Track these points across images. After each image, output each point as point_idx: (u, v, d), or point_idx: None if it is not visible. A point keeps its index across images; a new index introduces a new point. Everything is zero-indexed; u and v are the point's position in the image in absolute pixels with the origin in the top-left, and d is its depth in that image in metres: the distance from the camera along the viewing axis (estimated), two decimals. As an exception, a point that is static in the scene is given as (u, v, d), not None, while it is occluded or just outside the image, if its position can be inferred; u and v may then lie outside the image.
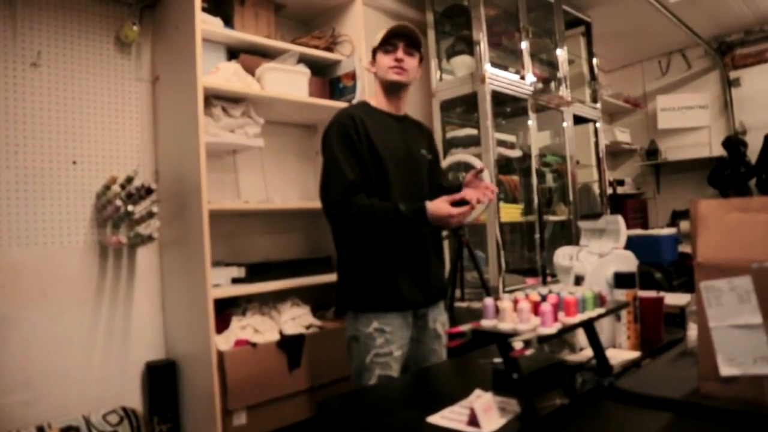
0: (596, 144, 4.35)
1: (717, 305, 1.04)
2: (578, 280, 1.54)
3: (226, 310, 2.40)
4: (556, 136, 3.91)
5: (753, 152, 4.76)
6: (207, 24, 2.33)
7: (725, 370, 1.03)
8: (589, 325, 1.20)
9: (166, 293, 2.51)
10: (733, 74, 5.03)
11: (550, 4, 3.82)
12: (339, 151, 1.79)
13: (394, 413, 1.23)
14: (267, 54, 2.64)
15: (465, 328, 1.06)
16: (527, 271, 3.47)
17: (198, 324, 2.20)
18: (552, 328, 1.03)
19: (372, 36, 2.02)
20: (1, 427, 2.02)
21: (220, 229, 2.48)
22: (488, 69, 3.18)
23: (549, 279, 3.34)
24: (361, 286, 1.84)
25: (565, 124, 3.82)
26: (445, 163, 3.08)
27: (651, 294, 1.56)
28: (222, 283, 2.35)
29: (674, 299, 1.76)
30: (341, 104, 2.62)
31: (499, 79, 3.25)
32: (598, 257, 1.56)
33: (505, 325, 1.03)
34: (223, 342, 2.22)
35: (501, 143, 3.38)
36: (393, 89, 1.93)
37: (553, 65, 3.89)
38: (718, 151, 4.93)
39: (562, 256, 1.65)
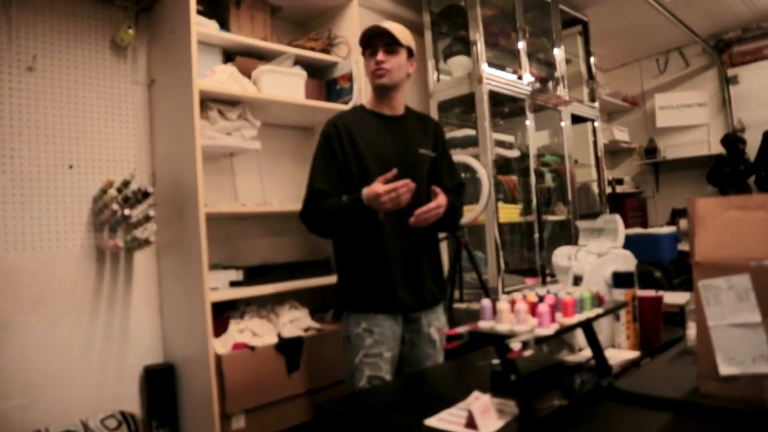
0: (595, 143, 4.35)
1: (716, 304, 1.03)
2: (577, 280, 1.53)
3: (224, 313, 2.39)
4: (554, 136, 3.91)
5: (752, 149, 4.76)
6: (203, 27, 2.33)
7: (725, 369, 1.02)
8: (587, 326, 1.20)
9: (164, 297, 2.50)
10: (731, 72, 5.03)
11: (547, 3, 3.81)
12: (316, 161, 1.88)
13: (391, 416, 1.22)
14: (263, 56, 2.63)
15: (462, 329, 1.06)
16: (526, 271, 3.46)
17: (196, 327, 2.19)
18: (549, 329, 1.02)
19: (368, 38, 2.01)
20: (-2, 433, 2.01)
21: (217, 232, 2.47)
22: (485, 69, 3.18)
23: (548, 279, 3.33)
24: (352, 286, 1.86)
25: (563, 124, 3.81)
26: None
27: (650, 293, 1.55)
28: (220, 286, 2.34)
29: (673, 298, 1.75)
30: (338, 106, 2.62)
31: (497, 79, 3.25)
32: (597, 257, 1.55)
33: (502, 327, 1.03)
34: (221, 345, 2.21)
35: (499, 143, 3.37)
36: (383, 91, 1.92)
37: (550, 65, 3.89)
38: (717, 148, 4.93)
39: (561, 256, 1.65)
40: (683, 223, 4.81)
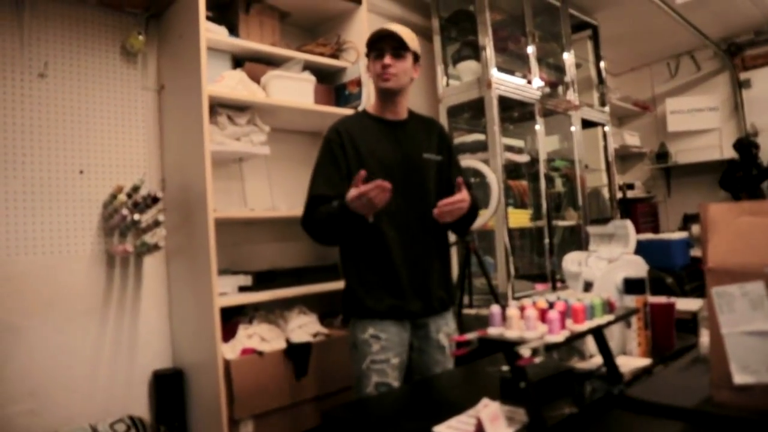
0: (605, 148, 4.32)
1: (729, 311, 1.01)
2: (587, 286, 1.51)
3: (232, 318, 2.39)
4: (564, 141, 3.89)
5: (765, 154, 4.71)
6: (212, 33, 2.34)
7: (739, 378, 1.00)
8: (598, 333, 1.18)
9: (173, 302, 2.51)
10: (743, 75, 4.98)
11: (556, 7, 3.80)
12: (317, 167, 1.87)
13: (399, 422, 1.21)
14: (272, 62, 2.64)
15: (471, 336, 1.04)
16: (536, 277, 3.44)
17: (205, 332, 2.19)
18: (559, 336, 1.01)
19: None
20: (8, 437, 2.02)
21: (226, 237, 2.47)
22: (495, 74, 3.17)
23: (558, 285, 3.30)
24: (358, 292, 1.84)
25: (573, 129, 3.79)
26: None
27: (662, 300, 1.53)
28: (228, 291, 2.34)
29: (686, 305, 1.73)
30: (347, 111, 2.62)
31: (506, 83, 3.24)
32: (608, 263, 1.53)
33: (511, 333, 1.02)
34: (230, 350, 2.21)
35: (509, 148, 3.36)
36: (387, 95, 1.90)
37: (560, 69, 3.87)
38: (729, 153, 4.88)
39: (571, 261, 1.63)
40: (695, 228, 4.76)
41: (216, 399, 2.11)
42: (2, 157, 2.14)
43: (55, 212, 2.25)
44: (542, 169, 3.42)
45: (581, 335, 1.10)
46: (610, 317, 1.16)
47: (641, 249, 1.65)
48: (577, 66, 3.96)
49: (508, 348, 1.00)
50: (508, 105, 3.37)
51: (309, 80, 2.65)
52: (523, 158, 3.46)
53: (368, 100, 2.68)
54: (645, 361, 1.37)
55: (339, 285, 1.96)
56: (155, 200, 2.20)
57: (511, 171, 3.45)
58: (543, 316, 1.05)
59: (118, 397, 2.32)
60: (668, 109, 5.18)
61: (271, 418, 2.25)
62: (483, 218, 2.87)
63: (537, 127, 3.45)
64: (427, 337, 1.89)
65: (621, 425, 1.08)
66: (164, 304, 2.52)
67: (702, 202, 1.10)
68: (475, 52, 3.32)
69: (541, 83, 3.48)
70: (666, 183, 5.45)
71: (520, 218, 3.38)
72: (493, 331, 1.05)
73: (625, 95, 5.23)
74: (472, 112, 3.51)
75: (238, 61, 2.58)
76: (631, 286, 1.44)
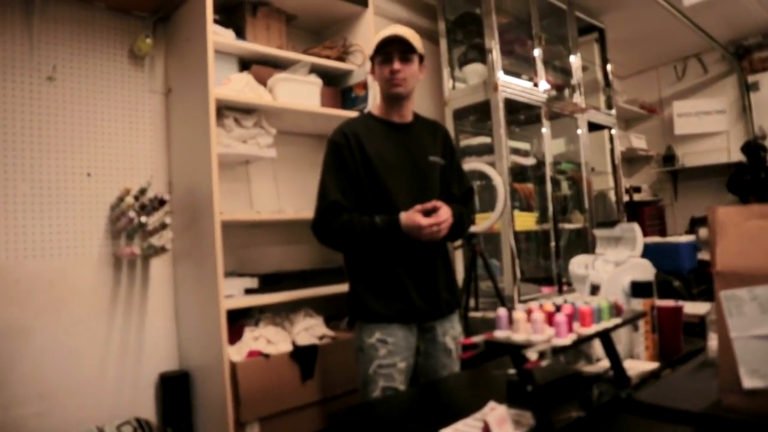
0: (612, 151, 4.31)
1: (738, 315, 1.00)
2: (594, 290, 1.51)
3: (238, 320, 2.39)
4: (570, 144, 3.88)
5: (773, 157, 4.68)
6: (219, 36, 2.35)
7: (748, 382, 0.99)
8: (605, 336, 1.18)
9: (180, 304, 2.51)
10: (751, 78, 4.95)
11: (563, 10, 3.80)
12: (327, 171, 1.85)
13: (406, 426, 1.21)
14: (279, 65, 2.65)
15: (478, 339, 1.04)
16: (543, 280, 3.43)
17: (211, 335, 2.20)
18: (567, 339, 1.00)
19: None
20: (16, 439, 2.03)
21: (232, 239, 2.48)
22: (501, 77, 3.17)
23: (565, 288, 3.29)
24: (365, 296, 1.83)
25: (579, 131, 3.79)
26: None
27: (669, 303, 1.52)
28: (235, 293, 2.34)
29: (694, 308, 1.72)
30: (353, 114, 2.62)
31: (512, 86, 3.23)
32: (615, 266, 1.53)
33: (518, 336, 1.01)
34: (236, 353, 2.21)
35: (515, 151, 3.36)
36: (395, 99, 1.90)
37: (566, 72, 3.87)
38: (737, 156, 4.85)
39: (578, 264, 1.62)
40: (702, 231, 4.72)
41: (222, 401, 2.12)
42: (10, 160, 2.15)
43: (62, 215, 2.26)
44: (548, 172, 3.41)
45: (588, 338, 1.09)
46: (617, 320, 1.15)
47: (648, 252, 1.64)
48: (584, 69, 3.95)
49: (515, 351, 0.99)
50: (514, 108, 3.37)
51: (315, 83, 2.66)
52: (530, 161, 3.45)
53: (375, 103, 2.68)
54: (652, 365, 1.36)
55: (345, 288, 1.96)
56: (162, 203, 2.21)
57: (518, 174, 3.45)
58: (550, 319, 1.04)
59: (124, 400, 2.33)
60: (675, 111, 5.15)
61: (277, 420, 2.25)
62: (489, 221, 2.87)
63: (543, 130, 3.44)
64: (434, 340, 1.88)
65: (628, 429, 1.07)
66: (171, 306, 2.52)
67: (710, 205, 1.09)
68: (481, 54, 3.32)
69: (548, 86, 3.48)
70: (673, 186, 5.42)
71: (526, 221, 3.38)
72: (499, 334, 1.05)
73: (631, 98, 5.22)
74: (478, 114, 3.51)
75: (245, 63, 2.59)
76: (638, 289, 1.44)
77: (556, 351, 0.99)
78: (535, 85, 3.41)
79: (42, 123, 2.24)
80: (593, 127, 4.01)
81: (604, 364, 1.28)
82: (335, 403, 2.38)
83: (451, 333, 1.91)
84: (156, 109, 2.57)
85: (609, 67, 4.35)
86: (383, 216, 1.74)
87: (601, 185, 4.29)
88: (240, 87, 2.39)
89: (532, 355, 0.95)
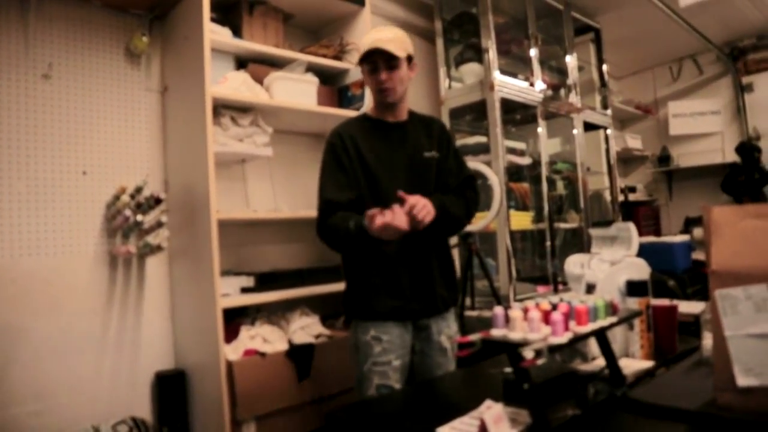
0: (607, 151, 4.33)
1: (733, 314, 1.01)
2: (590, 289, 1.51)
3: (235, 319, 2.39)
4: (566, 144, 3.89)
5: (767, 158, 4.70)
6: (216, 34, 2.34)
7: (742, 380, 1.00)
8: (601, 334, 1.18)
9: (176, 303, 2.51)
10: (745, 79, 4.98)
11: (559, 11, 3.81)
12: (324, 172, 1.86)
13: (403, 424, 1.21)
14: (275, 63, 2.65)
15: (474, 337, 1.05)
16: (538, 279, 3.44)
17: (207, 334, 2.20)
18: (563, 338, 1.01)
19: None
20: (11, 438, 2.02)
21: (228, 238, 2.47)
22: (497, 76, 3.17)
23: (560, 287, 3.30)
24: (360, 294, 1.84)
25: (575, 131, 3.80)
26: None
27: (664, 302, 1.53)
28: (231, 292, 2.34)
29: (688, 307, 1.73)
30: (350, 113, 2.62)
31: (508, 86, 3.24)
32: (610, 265, 1.54)
33: (515, 335, 1.02)
34: (232, 352, 2.21)
35: (511, 151, 3.36)
36: (387, 105, 1.90)
37: (562, 72, 3.88)
38: (732, 157, 4.87)
39: (573, 264, 1.63)
40: (697, 231, 4.75)
41: (218, 400, 2.11)
42: (6, 158, 2.14)
43: (58, 213, 2.25)
44: (544, 171, 3.42)
45: (584, 337, 1.10)
46: (613, 319, 1.16)
47: (643, 252, 1.65)
48: (580, 69, 3.96)
49: (511, 349, 1.00)
50: (510, 107, 3.38)
51: (312, 82, 2.66)
52: (525, 161, 3.46)
53: (370, 101, 2.68)
54: (648, 364, 1.37)
55: (341, 286, 1.96)
56: (158, 201, 2.21)
57: (513, 173, 3.46)
58: (546, 317, 1.05)
59: (120, 398, 2.32)
60: (670, 112, 5.18)
61: (274, 419, 2.25)
62: (485, 220, 2.87)
63: (539, 129, 3.45)
64: (429, 339, 1.88)
65: (624, 427, 1.08)
66: (167, 305, 2.52)
67: (705, 205, 1.10)
68: (477, 54, 3.32)
69: (544, 86, 3.48)
70: (668, 186, 5.45)
71: (522, 220, 3.38)
72: (496, 332, 1.05)
73: (627, 98, 5.24)
74: (474, 114, 3.52)
75: (242, 62, 2.59)
76: (633, 288, 1.45)
77: (553, 349, 0.99)
78: (531, 84, 3.42)
79: (38, 121, 2.23)
80: (589, 127, 4.03)
81: (600, 362, 1.29)
82: (331, 402, 2.38)
83: (447, 332, 1.91)
84: (152, 108, 2.56)
85: (605, 67, 4.36)
86: (356, 218, 1.69)
87: (596, 185, 4.31)
88: (236, 85, 2.39)
89: (528, 353, 0.95)
